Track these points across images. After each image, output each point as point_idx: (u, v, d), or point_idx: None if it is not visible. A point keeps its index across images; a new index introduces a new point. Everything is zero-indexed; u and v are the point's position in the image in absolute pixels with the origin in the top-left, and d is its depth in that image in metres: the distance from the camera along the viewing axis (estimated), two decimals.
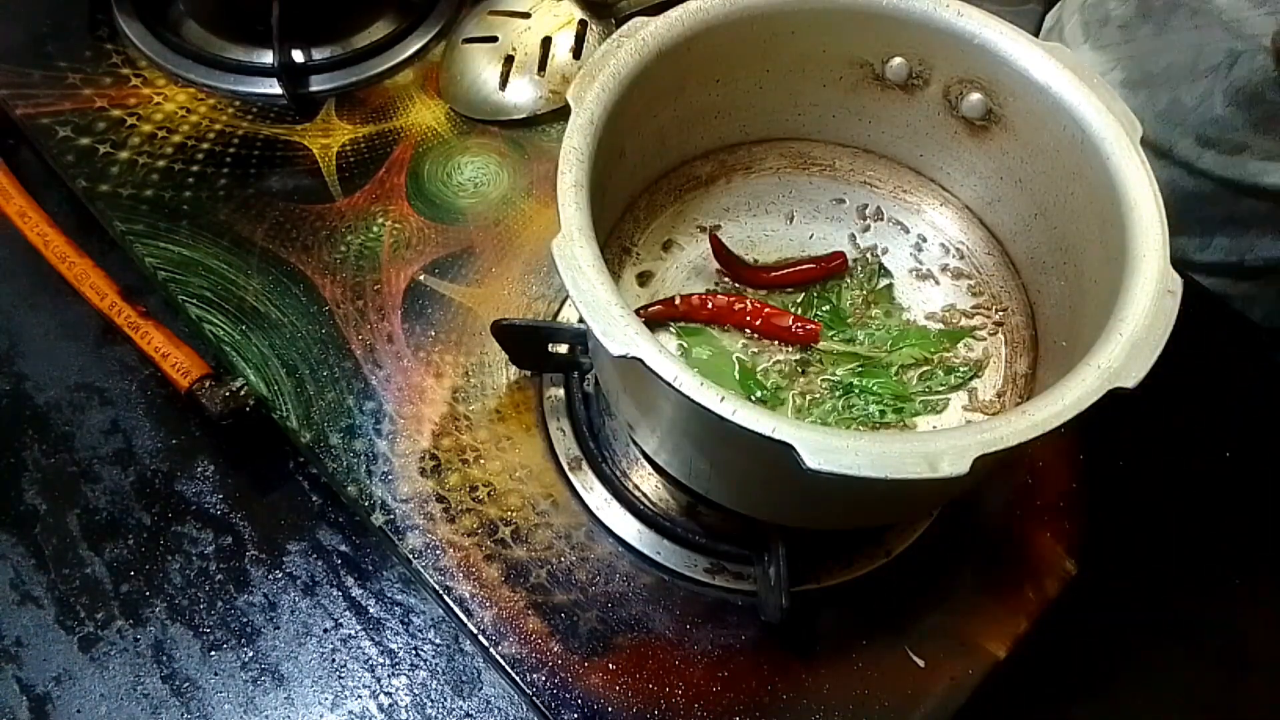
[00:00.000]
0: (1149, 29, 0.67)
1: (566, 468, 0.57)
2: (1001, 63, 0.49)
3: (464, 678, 0.52)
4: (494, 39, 0.72)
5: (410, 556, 0.53)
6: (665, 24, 0.48)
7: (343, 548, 0.56)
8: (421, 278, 0.64)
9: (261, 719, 0.51)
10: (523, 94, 0.71)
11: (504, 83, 0.71)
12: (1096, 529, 0.57)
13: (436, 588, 0.53)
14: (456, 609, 0.52)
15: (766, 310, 0.51)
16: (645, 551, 0.54)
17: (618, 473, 0.57)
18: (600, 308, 0.38)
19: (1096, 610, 0.56)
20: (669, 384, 0.37)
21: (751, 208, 0.57)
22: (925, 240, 0.57)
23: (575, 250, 0.40)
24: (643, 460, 0.57)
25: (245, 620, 0.53)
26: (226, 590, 0.54)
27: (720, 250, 0.53)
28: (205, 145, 0.69)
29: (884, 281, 0.55)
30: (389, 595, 0.54)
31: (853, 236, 0.57)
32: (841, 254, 0.54)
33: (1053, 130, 0.48)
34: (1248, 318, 0.67)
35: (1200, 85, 0.72)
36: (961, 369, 0.52)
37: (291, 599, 0.54)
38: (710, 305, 0.51)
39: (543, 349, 0.57)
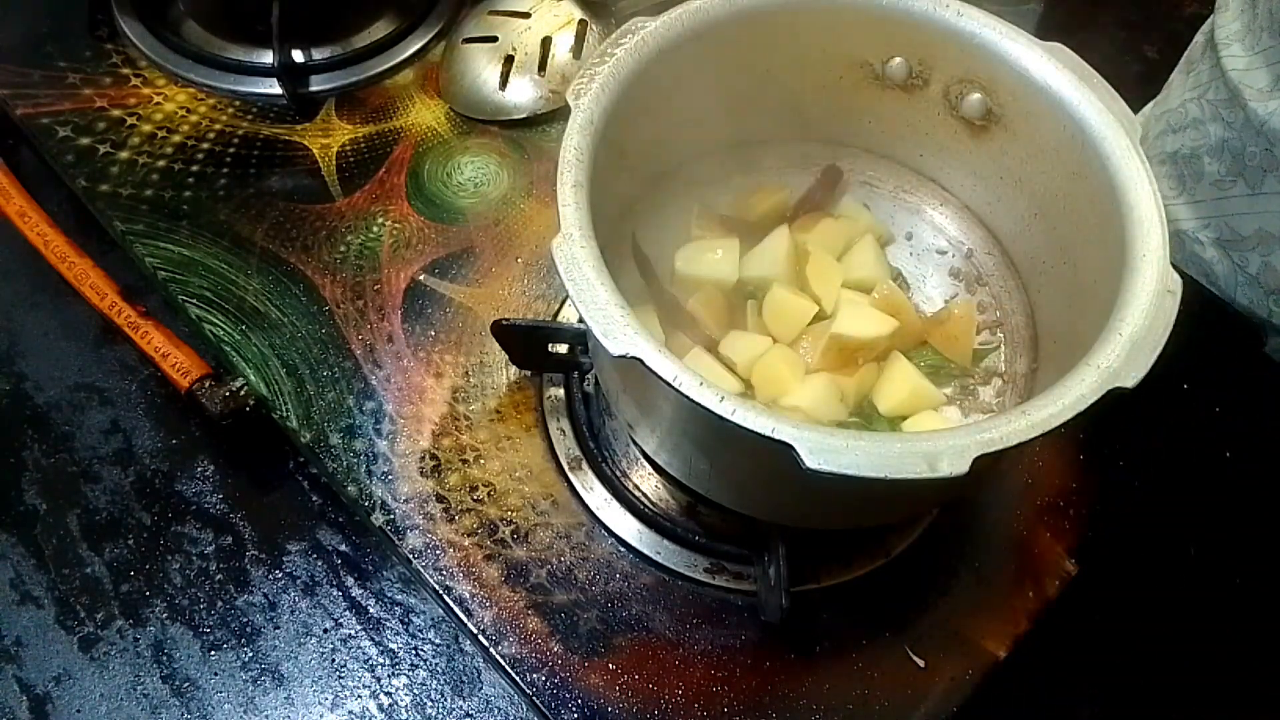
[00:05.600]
0: (1241, 189, 0.61)
1: (566, 468, 0.57)
2: (1001, 63, 0.49)
3: (464, 678, 0.52)
4: (494, 39, 0.72)
5: (410, 556, 0.53)
6: (665, 24, 0.48)
7: (343, 548, 0.56)
8: (421, 278, 0.64)
9: (261, 719, 0.51)
10: (523, 94, 0.71)
11: (504, 83, 0.71)
12: (1096, 529, 0.57)
13: (436, 588, 0.53)
14: (456, 609, 0.52)
15: None
16: (645, 551, 0.54)
17: (618, 473, 0.57)
18: (600, 308, 0.39)
19: (1096, 610, 0.56)
20: (669, 384, 0.37)
21: None
22: (925, 240, 0.57)
23: (575, 250, 0.40)
24: (643, 460, 0.57)
25: (245, 620, 0.53)
26: (226, 590, 0.54)
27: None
28: (205, 145, 0.69)
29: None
30: (389, 595, 0.54)
31: None
32: None
33: (1053, 130, 0.48)
34: (1248, 318, 0.66)
35: None
36: (970, 382, 0.52)
37: (291, 599, 0.54)
38: None
39: (543, 349, 0.57)
